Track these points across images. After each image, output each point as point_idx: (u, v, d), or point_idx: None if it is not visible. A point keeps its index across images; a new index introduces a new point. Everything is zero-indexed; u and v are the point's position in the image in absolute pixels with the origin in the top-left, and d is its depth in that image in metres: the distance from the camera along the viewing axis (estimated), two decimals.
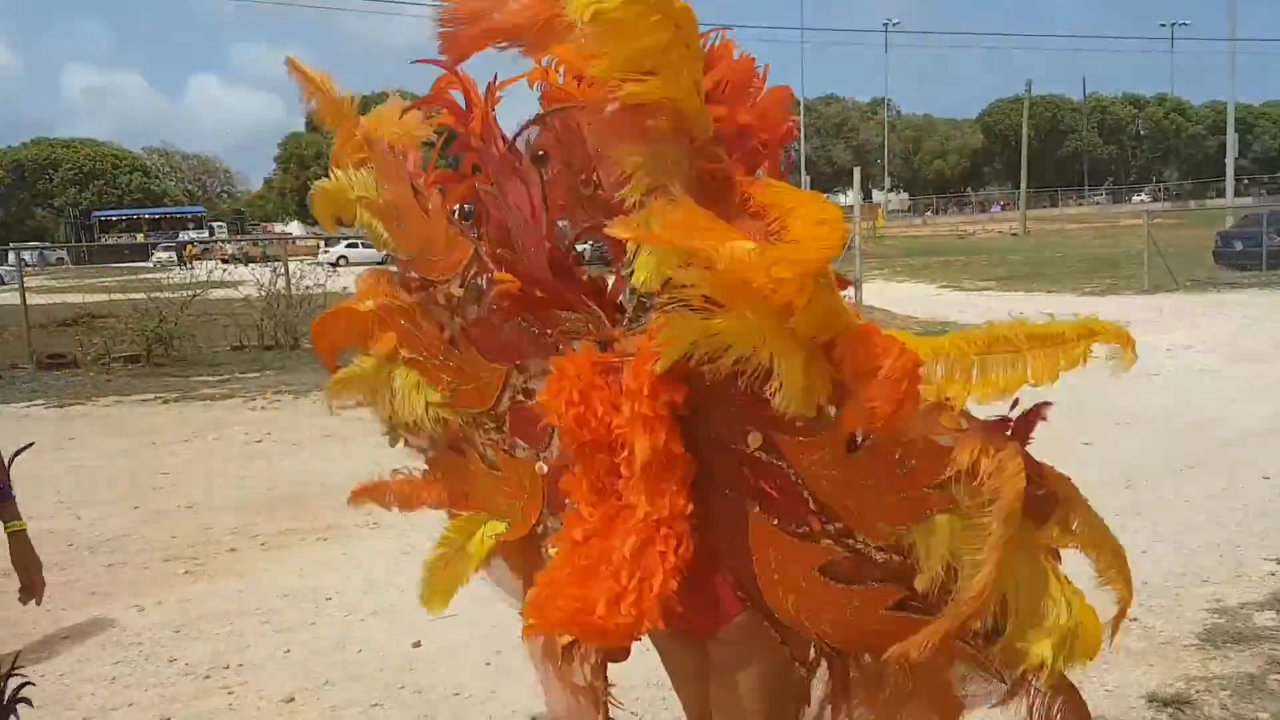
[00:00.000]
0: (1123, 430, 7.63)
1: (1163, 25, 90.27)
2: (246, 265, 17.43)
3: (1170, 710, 3.37)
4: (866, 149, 75.30)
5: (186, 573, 5.28)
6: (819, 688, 2.09)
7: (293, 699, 3.77)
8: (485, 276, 2.20)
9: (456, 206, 2.29)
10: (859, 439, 1.75)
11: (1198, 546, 5.01)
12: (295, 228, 75.84)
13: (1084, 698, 3.36)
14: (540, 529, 2.28)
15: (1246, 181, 66.62)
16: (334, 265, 21.75)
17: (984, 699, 1.96)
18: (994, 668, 1.89)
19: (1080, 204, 77.98)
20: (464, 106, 2.20)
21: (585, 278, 2.18)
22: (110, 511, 6.46)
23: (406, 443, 2.54)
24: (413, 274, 2.36)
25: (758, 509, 1.90)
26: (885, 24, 52.23)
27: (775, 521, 1.89)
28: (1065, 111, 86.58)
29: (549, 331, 2.17)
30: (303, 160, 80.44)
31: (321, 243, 44.82)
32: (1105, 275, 22.92)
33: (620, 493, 1.92)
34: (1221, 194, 48.69)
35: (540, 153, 2.02)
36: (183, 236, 50.89)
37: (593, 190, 2.02)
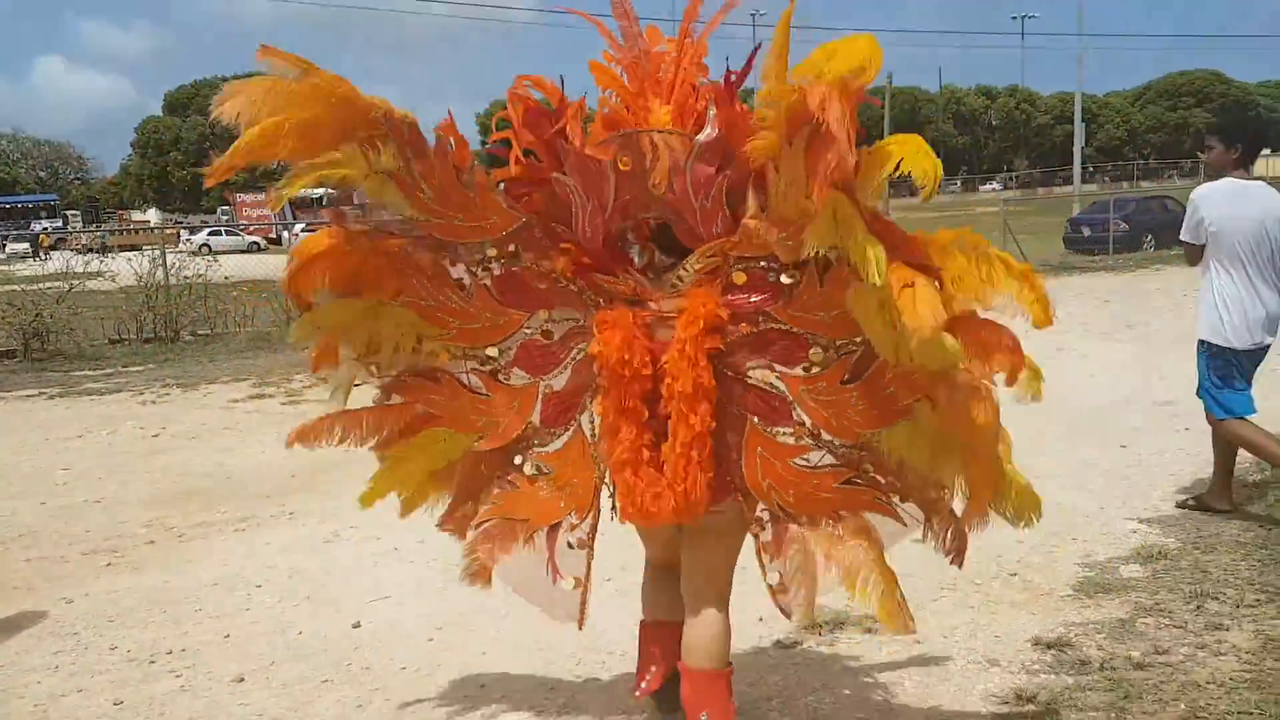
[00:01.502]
0: None
1: (1014, 18, 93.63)
2: (103, 255, 16.98)
3: (1053, 651, 3.79)
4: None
5: (108, 565, 5.33)
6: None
7: (243, 679, 3.92)
8: (525, 243, 2.86)
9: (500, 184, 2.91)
10: (853, 374, 2.69)
11: (1068, 509, 5.51)
12: (153, 215, 73.27)
13: (976, 641, 3.79)
14: (521, 440, 3.02)
15: (1092, 169, 69.97)
16: (195, 253, 21.32)
17: (893, 537, 2.88)
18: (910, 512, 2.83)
19: (938, 193, 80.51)
20: (552, 111, 2.82)
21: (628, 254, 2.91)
22: (16, 507, 6.41)
23: (372, 374, 3.06)
24: (419, 233, 2.87)
25: (756, 419, 2.77)
26: (753, 15, 53.00)
27: (767, 428, 2.77)
28: (923, 103, 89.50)
29: (586, 289, 2.85)
30: (160, 145, 77.77)
31: (185, 230, 43.83)
32: None
33: (645, 413, 2.74)
34: (1069, 181, 51.14)
35: (624, 159, 2.68)
36: (35, 226, 48.73)
37: (663, 191, 2.69)
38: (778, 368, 2.76)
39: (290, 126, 2.61)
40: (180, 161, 77.36)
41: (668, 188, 2.68)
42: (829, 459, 2.78)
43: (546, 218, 2.86)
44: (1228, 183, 5.05)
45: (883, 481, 2.78)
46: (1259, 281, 5.00)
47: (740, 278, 2.71)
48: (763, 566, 2.89)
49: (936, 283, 2.41)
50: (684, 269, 2.77)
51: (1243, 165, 5.08)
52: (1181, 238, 5.20)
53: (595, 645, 4.07)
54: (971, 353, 2.49)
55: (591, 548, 3.09)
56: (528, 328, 2.95)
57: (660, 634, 3.22)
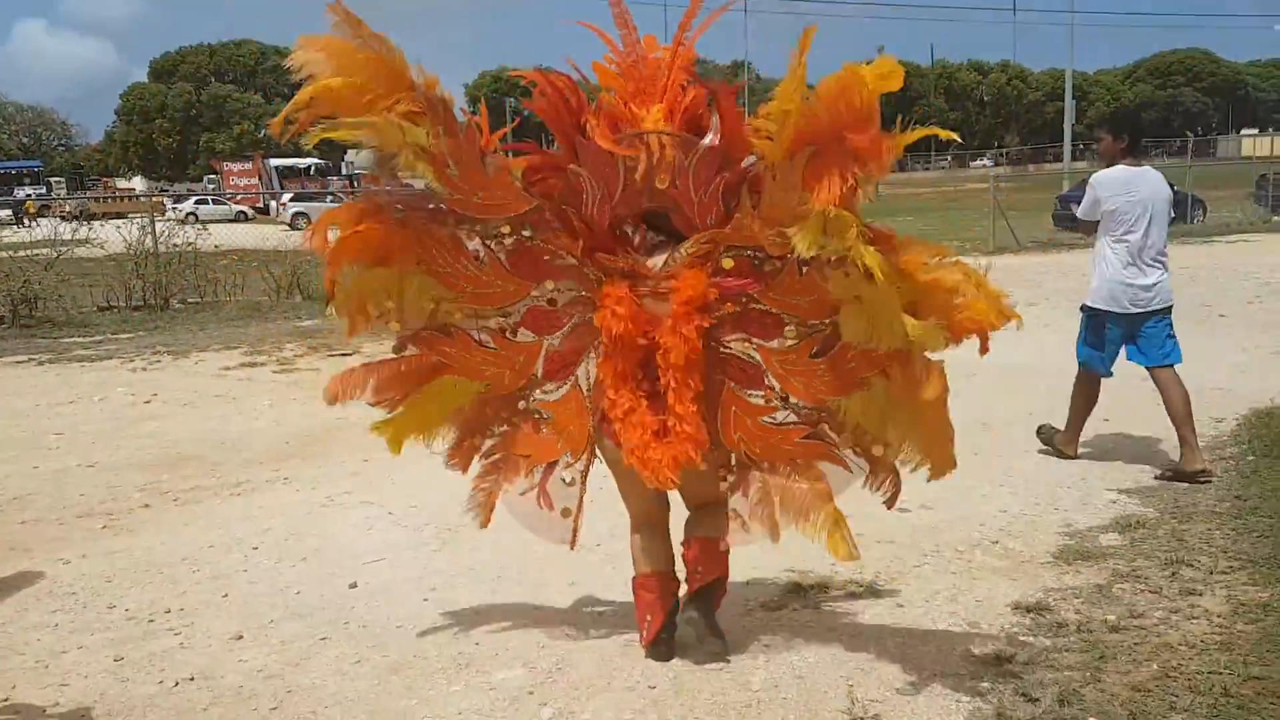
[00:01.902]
0: (977, 380, 8.30)
1: None
2: (87, 223, 16.93)
3: (1032, 615, 3.90)
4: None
5: (104, 527, 5.40)
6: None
7: (241, 636, 4.00)
8: (536, 223, 3.31)
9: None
10: (821, 349, 3.21)
11: (1049, 480, 5.64)
12: (138, 183, 72.81)
13: (957, 606, 3.90)
14: (525, 389, 3.55)
15: (1081, 146, 70.07)
16: (182, 222, 21.30)
17: (841, 483, 3.45)
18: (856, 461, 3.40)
19: (928, 169, 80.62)
20: (570, 104, 3.20)
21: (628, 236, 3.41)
22: (9, 471, 6.46)
23: (400, 326, 3.47)
24: (443, 207, 3.30)
25: (732, 384, 3.35)
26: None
27: (741, 391, 3.35)
28: (914, 78, 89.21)
29: (589, 265, 3.30)
30: (145, 113, 77.15)
31: (168, 199, 43.56)
32: (954, 238, 24.07)
33: (640, 375, 3.26)
34: (1059, 158, 51.20)
35: (632, 156, 3.12)
36: (19, 193, 48.41)
37: (667, 185, 3.15)
38: (755, 341, 3.32)
39: (342, 89, 2.99)
40: (166, 129, 76.89)
41: (671, 183, 3.13)
42: (792, 418, 3.37)
43: (559, 200, 3.28)
44: (1121, 169, 5.74)
45: (836, 438, 3.36)
46: (1142, 256, 5.70)
47: (728, 263, 3.23)
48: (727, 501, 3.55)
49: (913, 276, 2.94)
50: (679, 252, 3.25)
51: (1130, 154, 5.78)
52: (1079, 215, 5.94)
53: (586, 606, 4.18)
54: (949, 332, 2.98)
55: (584, 483, 3.66)
56: (535, 295, 3.43)
57: (654, 583, 3.62)
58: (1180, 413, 5.62)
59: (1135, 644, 3.62)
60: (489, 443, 3.69)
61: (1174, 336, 5.87)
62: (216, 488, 6.09)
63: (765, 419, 3.37)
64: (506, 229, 3.33)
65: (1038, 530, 4.89)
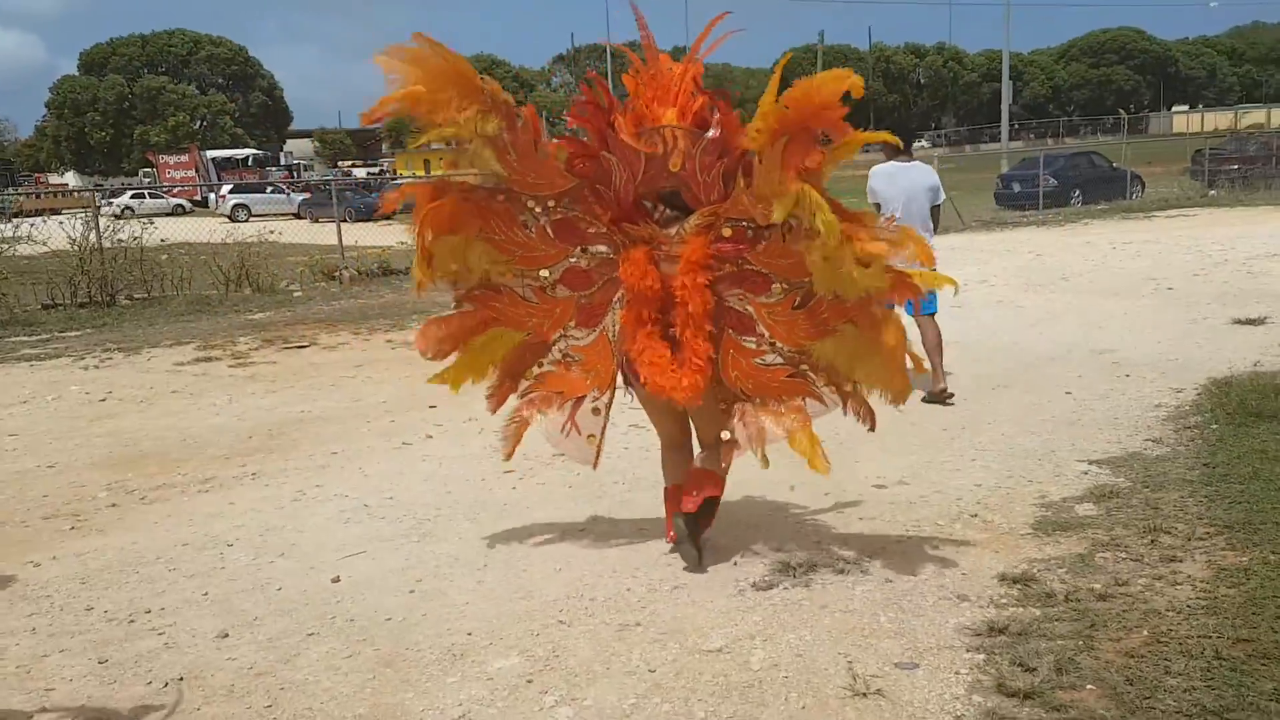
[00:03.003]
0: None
1: None
2: (11, 221, 16.48)
3: (1019, 587, 3.95)
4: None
5: (73, 529, 5.28)
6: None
7: (226, 634, 3.93)
8: (576, 198, 4.11)
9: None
10: (804, 301, 3.94)
11: (1020, 453, 5.71)
12: (71, 178, 71.16)
13: (945, 579, 3.92)
14: (559, 337, 4.33)
15: (1017, 126, 70.95)
16: (118, 217, 20.82)
17: (820, 410, 4.16)
18: (832, 397, 4.13)
19: (867, 151, 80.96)
20: (604, 107, 3.99)
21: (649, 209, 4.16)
22: None
23: (455, 284, 4.30)
24: (503, 186, 4.10)
25: (730, 330, 4.08)
26: None
27: (738, 336, 4.08)
28: (853, 61, 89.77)
29: (617, 233, 4.09)
30: (77, 106, 75.28)
31: (94, 194, 42.50)
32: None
33: (657, 320, 4.01)
34: (996, 139, 51.82)
35: (650, 145, 3.91)
36: None
37: (678, 169, 3.93)
38: (748, 295, 4.03)
39: (425, 95, 3.77)
40: (98, 122, 75.05)
41: (681, 167, 3.90)
42: (778, 360, 4.09)
43: (593, 180, 4.03)
44: (891, 164, 7.20)
45: (813, 376, 4.09)
46: None
47: (728, 232, 3.99)
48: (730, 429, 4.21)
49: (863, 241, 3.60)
50: (687, 223, 4.02)
51: (901, 153, 7.15)
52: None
53: (576, 591, 4.15)
54: (891, 286, 3.69)
55: (607, 413, 4.42)
56: (572, 257, 4.21)
57: (677, 492, 4.35)
58: (932, 345, 6.92)
59: (1124, 611, 3.68)
60: (524, 384, 4.46)
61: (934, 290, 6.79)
62: (184, 485, 5.98)
63: (757, 360, 4.09)
64: (552, 203, 4.11)
65: (1014, 503, 4.95)
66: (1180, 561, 4.09)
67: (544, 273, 4.22)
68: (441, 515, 5.19)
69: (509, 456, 4.54)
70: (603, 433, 4.45)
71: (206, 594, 4.37)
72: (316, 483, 5.85)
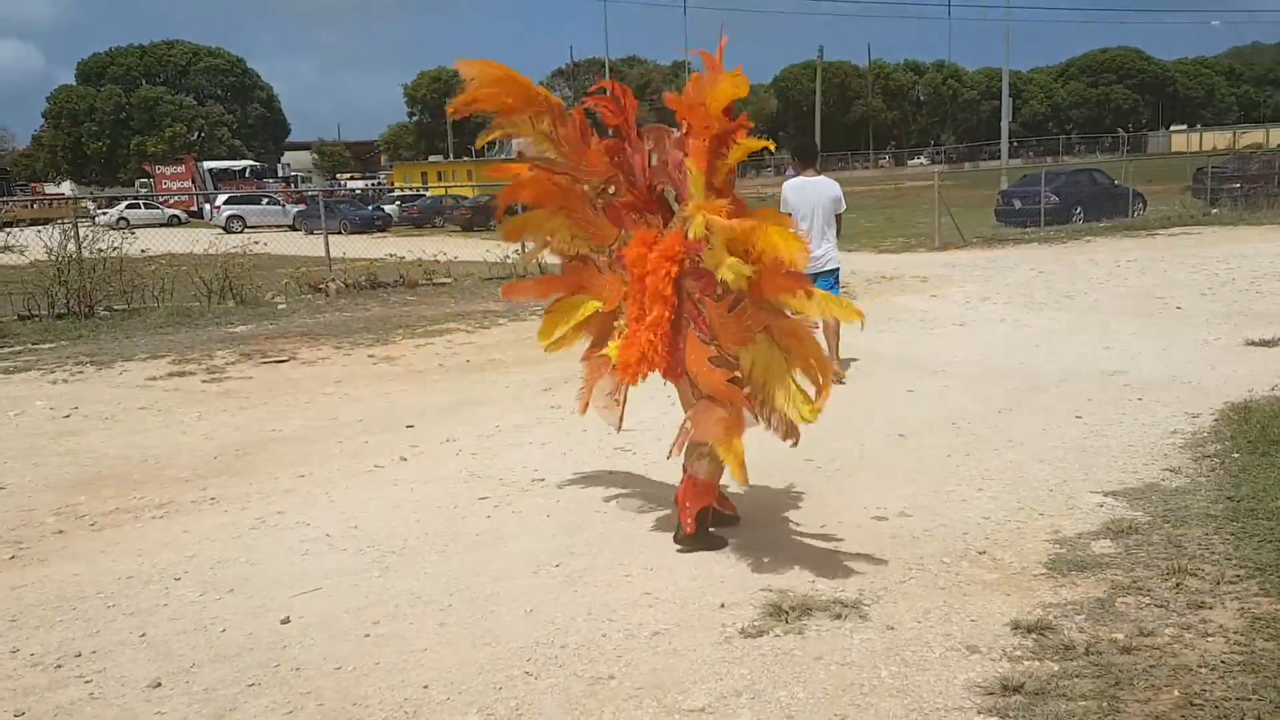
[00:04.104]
0: (941, 377, 8.05)
1: None
2: (3, 230, 16.11)
3: (1034, 636, 3.58)
4: (669, 111, 76.13)
5: (13, 558, 4.90)
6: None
7: (159, 684, 3.56)
8: (616, 184, 4.65)
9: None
10: (734, 305, 4.12)
11: (1030, 483, 5.34)
12: (67, 188, 70.83)
13: (952, 626, 3.54)
14: (620, 308, 4.66)
15: (1016, 144, 70.73)
16: (114, 226, 20.51)
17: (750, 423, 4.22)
18: (757, 411, 4.19)
19: (867, 167, 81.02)
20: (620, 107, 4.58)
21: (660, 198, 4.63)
22: None
23: (550, 252, 4.98)
24: (566, 173, 4.64)
25: (692, 327, 4.32)
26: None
27: (698, 334, 4.29)
28: (852, 78, 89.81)
29: (640, 217, 4.58)
30: (73, 116, 74.98)
31: (90, 204, 42.07)
32: (898, 234, 23.99)
33: (640, 304, 4.41)
34: (995, 156, 51.57)
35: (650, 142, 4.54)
36: None
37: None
38: (704, 294, 4.26)
39: (489, 97, 4.49)
40: (95, 132, 74.72)
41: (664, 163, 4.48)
42: (723, 363, 4.24)
43: (624, 170, 4.60)
44: (799, 179, 8.36)
45: (745, 384, 4.20)
46: (816, 236, 7.93)
47: (697, 230, 4.22)
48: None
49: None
50: (676, 219, 4.43)
51: (806, 169, 8.38)
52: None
53: (546, 638, 3.78)
54: (768, 283, 3.97)
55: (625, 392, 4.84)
56: (621, 236, 4.66)
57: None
58: (832, 330, 7.81)
59: (1151, 667, 3.31)
60: (600, 352, 4.86)
61: (836, 287, 8.09)
62: (138, 510, 5.61)
63: (709, 358, 4.28)
64: (603, 186, 4.66)
65: (1025, 538, 4.59)
66: (1210, 609, 3.73)
67: (607, 249, 4.74)
68: (408, 547, 4.82)
69: (584, 411, 4.98)
70: (624, 400, 4.83)
71: (144, 635, 3.99)
72: (278, 509, 5.48)
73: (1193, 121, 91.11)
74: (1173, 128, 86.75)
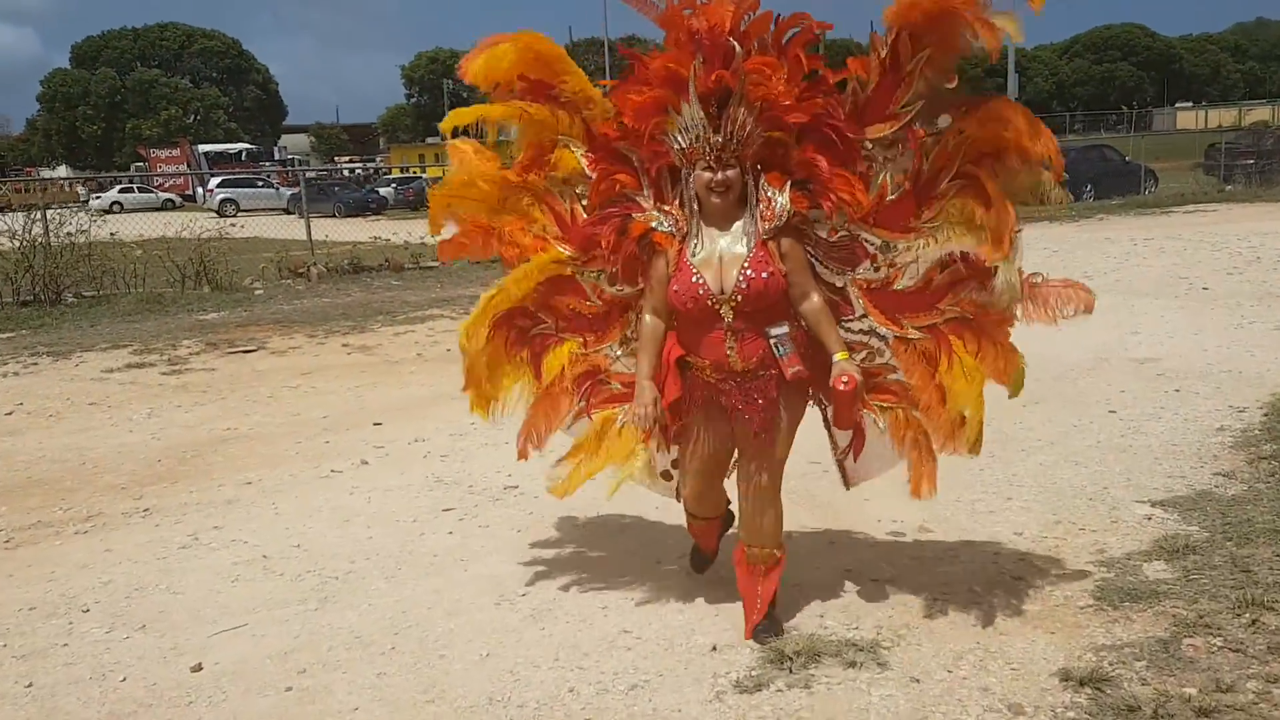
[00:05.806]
0: None
1: None
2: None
3: (1089, 691, 2.95)
4: None
5: None
6: None
7: None
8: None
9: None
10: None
11: (1065, 490, 4.71)
12: (63, 172, 70.04)
13: (989, 677, 2.86)
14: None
15: None
16: (107, 211, 19.91)
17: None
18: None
19: None
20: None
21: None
22: None
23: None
24: None
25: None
26: None
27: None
28: (856, 55, 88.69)
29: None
30: (68, 100, 74.14)
31: (80, 186, 41.41)
32: None
33: None
34: None
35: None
36: None
37: None
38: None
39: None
40: (90, 116, 73.90)
41: None
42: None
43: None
44: None
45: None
46: None
47: None
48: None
49: None
50: None
51: None
52: None
53: (503, 692, 3.15)
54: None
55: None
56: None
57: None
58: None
59: None
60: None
61: None
62: (61, 524, 4.98)
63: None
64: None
65: (1065, 559, 3.96)
66: None
67: None
68: (354, 571, 4.20)
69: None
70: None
71: (30, 685, 3.37)
72: (216, 524, 4.86)
73: (1198, 98, 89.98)
74: (1178, 105, 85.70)
